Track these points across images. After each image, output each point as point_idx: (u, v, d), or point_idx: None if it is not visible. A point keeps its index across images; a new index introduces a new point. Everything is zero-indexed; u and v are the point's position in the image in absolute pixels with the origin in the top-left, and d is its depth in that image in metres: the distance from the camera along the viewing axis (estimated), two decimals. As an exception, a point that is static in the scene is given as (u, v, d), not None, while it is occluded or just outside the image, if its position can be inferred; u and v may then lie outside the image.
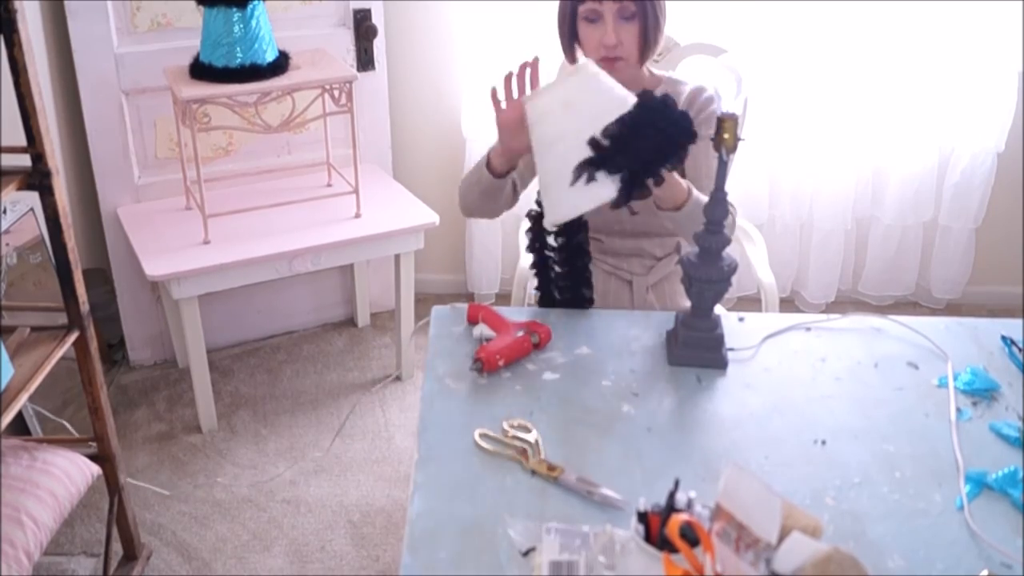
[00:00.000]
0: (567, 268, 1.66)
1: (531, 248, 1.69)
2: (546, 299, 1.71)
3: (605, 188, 1.47)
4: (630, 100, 1.48)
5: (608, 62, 1.69)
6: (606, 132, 1.45)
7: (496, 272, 3.18)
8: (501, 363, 1.47)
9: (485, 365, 1.46)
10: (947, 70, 2.88)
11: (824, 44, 2.86)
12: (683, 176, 1.75)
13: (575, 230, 1.63)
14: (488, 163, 1.75)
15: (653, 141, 1.44)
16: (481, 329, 1.56)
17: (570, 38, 1.77)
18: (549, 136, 1.53)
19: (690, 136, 1.45)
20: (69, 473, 1.80)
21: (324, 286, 3.06)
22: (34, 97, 1.58)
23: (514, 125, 1.62)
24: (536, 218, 1.66)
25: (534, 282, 1.73)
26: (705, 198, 1.64)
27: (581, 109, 1.50)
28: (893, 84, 2.90)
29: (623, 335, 1.59)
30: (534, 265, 1.70)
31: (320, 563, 2.17)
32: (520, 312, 1.67)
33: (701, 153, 1.76)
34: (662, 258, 1.89)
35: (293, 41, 2.54)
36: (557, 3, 1.78)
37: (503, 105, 1.65)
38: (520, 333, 1.52)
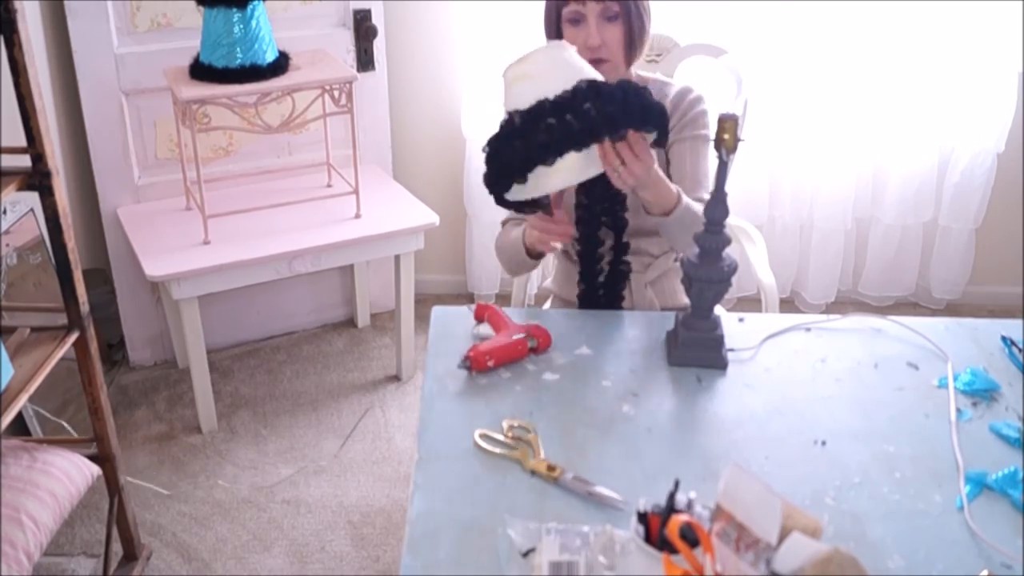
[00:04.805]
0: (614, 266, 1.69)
1: (584, 249, 1.70)
2: (589, 299, 1.73)
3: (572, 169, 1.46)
4: (586, 76, 1.44)
5: (593, 65, 1.67)
6: (547, 104, 1.42)
7: (496, 272, 3.17)
8: (491, 364, 1.46)
9: (473, 364, 1.45)
10: (947, 70, 2.88)
11: (824, 44, 2.86)
12: (669, 178, 1.76)
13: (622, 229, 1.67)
14: (526, 246, 1.75)
15: (592, 118, 1.40)
16: (482, 328, 1.56)
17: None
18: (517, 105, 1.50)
19: (633, 121, 1.42)
20: (69, 473, 1.80)
21: (324, 287, 3.06)
22: (34, 97, 1.58)
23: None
24: (587, 211, 1.66)
25: (535, 283, 1.73)
26: (697, 206, 1.64)
27: (547, 80, 1.45)
28: (893, 84, 2.90)
29: (623, 335, 1.59)
30: (584, 261, 1.71)
31: (320, 563, 2.17)
32: (522, 313, 1.67)
33: (687, 153, 1.76)
34: (659, 256, 1.90)
35: (293, 41, 2.54)
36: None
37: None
38: (518, 336, 1.50)
